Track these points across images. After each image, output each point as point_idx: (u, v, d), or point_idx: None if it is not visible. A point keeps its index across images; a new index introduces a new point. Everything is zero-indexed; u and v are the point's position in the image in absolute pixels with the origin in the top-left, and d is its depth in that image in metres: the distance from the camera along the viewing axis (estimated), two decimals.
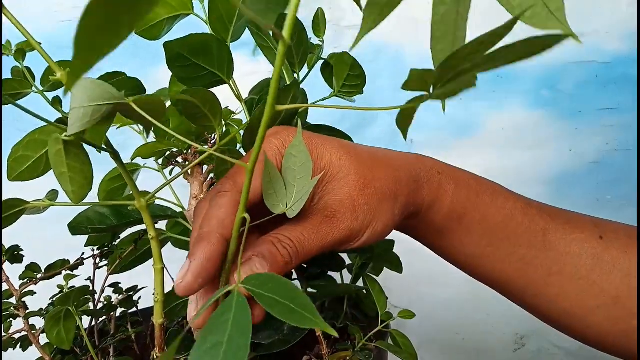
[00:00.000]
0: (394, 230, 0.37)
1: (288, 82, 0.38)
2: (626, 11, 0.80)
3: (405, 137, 0.32)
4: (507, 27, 0.18)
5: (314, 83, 0.43)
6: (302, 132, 0.33)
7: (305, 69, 0.42)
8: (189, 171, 0.41)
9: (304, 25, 0.40)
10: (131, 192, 0.32)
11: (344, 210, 0.32)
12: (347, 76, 0.39)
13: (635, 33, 0.79)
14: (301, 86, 0.42)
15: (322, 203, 0.33)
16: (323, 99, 0.41)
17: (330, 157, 0.33)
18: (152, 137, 0.42)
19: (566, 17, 0.22)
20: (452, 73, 0.21)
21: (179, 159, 0.47)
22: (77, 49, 0.10)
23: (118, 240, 0.48)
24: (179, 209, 0.46)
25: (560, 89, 0.85)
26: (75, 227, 0.40)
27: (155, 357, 0.33)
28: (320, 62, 0.44)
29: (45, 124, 0.28)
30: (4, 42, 0.35)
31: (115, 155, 0.30)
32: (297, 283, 0.50)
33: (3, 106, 0.28)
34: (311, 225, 0.31)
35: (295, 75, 0.41)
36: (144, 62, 0.83)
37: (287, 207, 0.30)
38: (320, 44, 0.44)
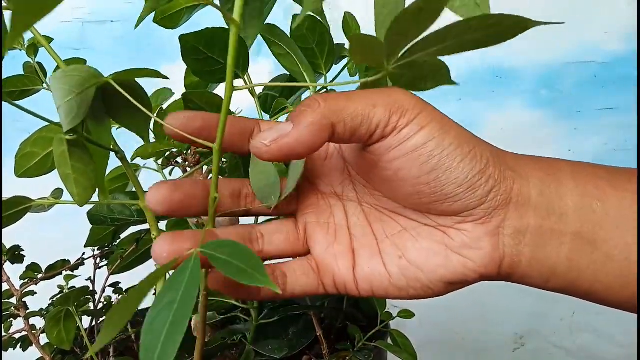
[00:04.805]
0: None
1: (309, 83, 0.38)
2: (626, 11, 0.80)
3: None
4: None
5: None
6: None
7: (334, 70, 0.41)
8: (189, 170, 0.41)
9: (329, 26, 0.39)
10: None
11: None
12: (367, 68, 0.39)
13: (634, 33, 0.79)
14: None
15: None
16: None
17: None
18: (152, 138, 0.43)
19: (490, 8, 0.20)
20: (404, 43, 0.21)
21: (179, 159, 0.47)
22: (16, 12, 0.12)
23: (118, 241, 0.48)
24: None
25: (559, 89, 0.85)
26: (94, 216, 0.39)
27: None
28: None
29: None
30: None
31: (122, 156, 0.30)
32: None
33: (3, 107, 0.28)
34: None
35: (323, 76, 0.41)
36: (144, 63, 0.82)
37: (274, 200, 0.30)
38: None
